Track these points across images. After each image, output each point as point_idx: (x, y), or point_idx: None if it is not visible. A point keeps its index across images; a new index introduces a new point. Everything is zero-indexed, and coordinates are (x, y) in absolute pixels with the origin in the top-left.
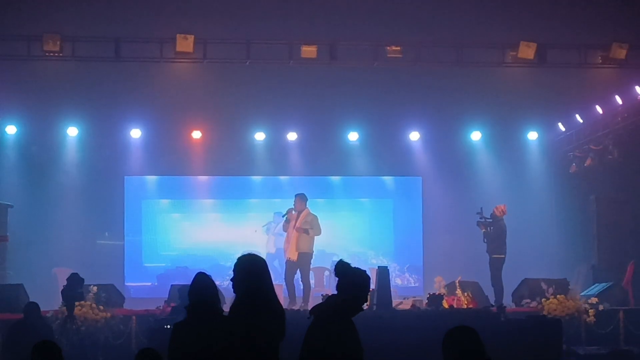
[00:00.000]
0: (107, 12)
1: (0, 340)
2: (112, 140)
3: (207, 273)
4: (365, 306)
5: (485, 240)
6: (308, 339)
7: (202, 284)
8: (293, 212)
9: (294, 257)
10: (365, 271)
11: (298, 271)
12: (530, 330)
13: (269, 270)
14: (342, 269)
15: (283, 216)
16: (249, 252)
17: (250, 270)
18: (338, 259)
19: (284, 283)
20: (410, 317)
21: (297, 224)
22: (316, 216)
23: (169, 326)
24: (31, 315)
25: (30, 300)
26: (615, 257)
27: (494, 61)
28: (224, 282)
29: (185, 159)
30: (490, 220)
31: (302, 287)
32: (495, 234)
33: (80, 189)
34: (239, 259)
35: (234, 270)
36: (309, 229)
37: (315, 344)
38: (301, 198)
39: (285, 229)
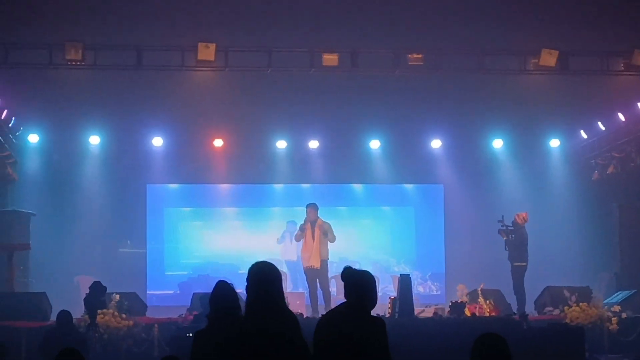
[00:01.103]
0: (129, 20)
1: (27, 347)
2: (134, 149)
3: (228, 281)
4: (387, 313)
5: (507, 248)
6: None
7: (223, 291)
8: (305, 222)
9: (317, 264)
10: (368, 272)
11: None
12: (552, 339)
13: (280, 278)
14: (347, 273)
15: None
16: (263, 260)
17: (260, 277)
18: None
19: (307, 291)
20: (432, 325)
21: (316, 232)
22: (330, 223)
23: (191, 334)
24: (64, 323)
25: (55, 308)
26: (638, 264)
27: (516, 68)
28: (244, 290)
29: (207, 167)
30: (512, 227)
31: (322, 294)
32: (516, 242)
33: (103, 197)
34: (251, 266)
35: (246, 277)
36: (328, 235)
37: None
38: (313, 208)
39: (298, 238)
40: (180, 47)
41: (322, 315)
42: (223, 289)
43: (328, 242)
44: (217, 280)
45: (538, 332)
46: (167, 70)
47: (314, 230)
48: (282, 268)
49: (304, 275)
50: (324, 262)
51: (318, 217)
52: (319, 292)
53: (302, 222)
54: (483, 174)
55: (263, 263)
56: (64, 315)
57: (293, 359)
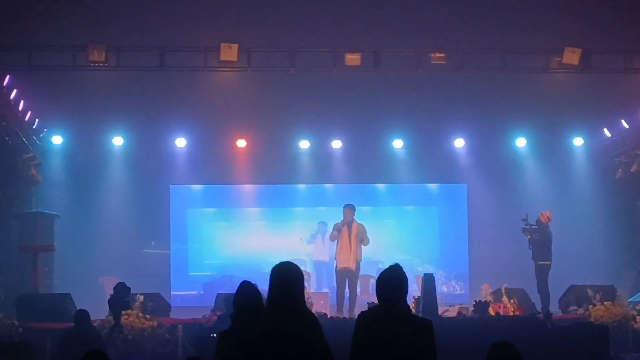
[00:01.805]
0: (152, 22)
1: (51, 348)
2: (158, 150)
3: (252, 281)
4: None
5: (531, 247)
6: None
7: (247, 291)
8: (341, 223)
9: (353, 266)
10: (392, 265)
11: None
12: (577, 337)
13: (302, 279)
14: (378, 278)
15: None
16: (291, 260)
17: (282, 278)
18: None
19: (336, 292)
20: (456, 325)
21: (353, 234)
22: (364, 226)
23: (215, 335)
24: (82, 324)
25: (85, 310)
26: None
27: (539, 67)
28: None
29: (230, 167)
30: (536, 226)
31: (348, 295)
32: (540, 241)
33: (126, 198)
34: (274, 266)
35: (269, 277)
36: (364, 238)
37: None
38: (350, 209)
39: (334, 239)
40: (203, 47)
41: (361, 313)
42: (247, 289)
43: (366, 244)
44: (241, 281)
45: (562, 331)
46: (190, 71)
47: (351, 231)
48: (306, 268)
49: (334, 275)
50: (358, 264)
51: (354, 219)
52: (346, 293)
53: (338, 223)
54: (506, 173)
55: (285, 264)
56: (81, 315)
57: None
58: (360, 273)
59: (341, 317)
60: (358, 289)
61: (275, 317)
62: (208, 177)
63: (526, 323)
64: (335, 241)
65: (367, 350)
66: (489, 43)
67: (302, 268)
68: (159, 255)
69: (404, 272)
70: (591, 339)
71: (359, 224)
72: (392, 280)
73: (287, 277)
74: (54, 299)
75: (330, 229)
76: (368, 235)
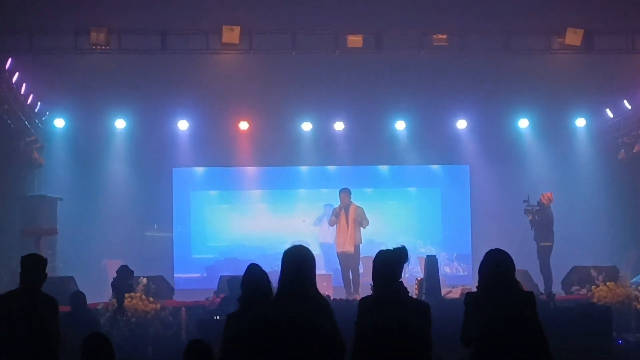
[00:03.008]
0: (153, 4)
1: None
2: (160, 132)
3: (256, 263)
4: (414, 294)
5: (533, 228)
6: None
7: (255, 275)
8: (339, 208)
9: (351, 249)
10: (381, 251)
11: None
12: (579, 318)
13: (314, 263)
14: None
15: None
16: (298, 243)
17: (294, 262)
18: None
19: (341, 275)
20: (459, 306)
21: (350, 218)
22: (363, 208)
23: (218, 317)
24: (78, 306)
25: (81, 292)
26: None
27: (541, 48)
28: (271, 272)
29: (233, 150)
30: (537, 208)
31: (351, 277)
32: (542, 222)
33: (129, 181)
34: (285, 250)
35: (281, 261)
36: (362, 221)
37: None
38: (347, 192)
39: (332, 224)
40: (204, 30)
41: (361, 300)
42: (255, 272)
43: (361, 227)
44: (248, 264)
45: (565, 311)
46: (191, 53)
47: (348, 215)
48: (315, 250)
49: (337, 258)
50: (357, 247)
51: (351, 201)
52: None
53: (335, 207)
54: (509, 154)
55: (297, 248)
56: (78, 297)
57: (322, 344)
58: (363, 254)
59: (344, 299)
60: (361, 270)
61: (287, 303)
62: (210, 160)
63: None
64: (335, 226)
65: (369, 337)
66: (491, 24)
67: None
68: (162, 237)
69: (396, 256)
70: (594, 320)
71: (357, 206)
72: (384, 269)
73: (300, 262)
74: (57, 282)
75: None
76: (367, 216)
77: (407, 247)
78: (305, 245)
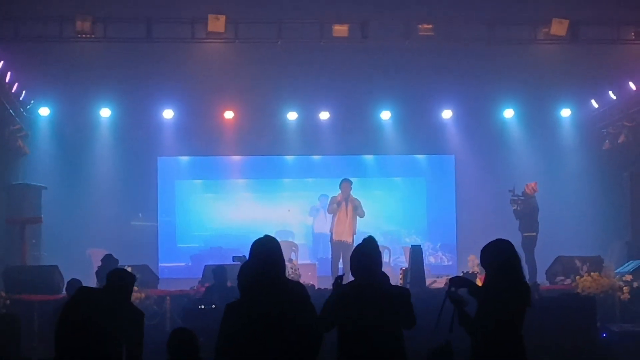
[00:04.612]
0: None
1: (39, 320)
2: (145, 121)
3: (240, 253)
4: (399, 284)
5: (517, 218)
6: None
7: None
8: (340, 197)
9: (350, 239)
10: (364, 240)
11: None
12: (564, 308)
13: (281, 253)
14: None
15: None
16: (266, 235)
17: (266, 252)
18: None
19: (330, 264)
20: (443, 296)
21: (350, 208)
22: (359, 200)
23: (203, 306)
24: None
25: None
26: None
27: (526, 38)
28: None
29: (218, 139)
30: (522, 198)
31: (342, 267)
32: (526, 212)
33: (114, 170)
34: (254, 242)
35: (249, 254)
36: (360, 211)
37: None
38: (349, 183)
39: (332, 211)
40: (190, 19)
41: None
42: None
43: (358, 217)
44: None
45: (549, 301)
46: (177, 42)
47: (348, 206)
48: (294, 239)
49: (329, 247)
50: (353, 238)
51: (351, 193)
52: (340, 264)
53: (336, 196)
54: (494, 144)
55: (268, 238)
56: (75, 285)
57: (297, 338)
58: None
59: (329, 288)
60: None
61: (258, 300)
62: (196, 149)
63: None
64: (332, 214)
65: (345, 324)
66: (476, 14)
67: (289, 239)
68: (147, 227)
69: (375, 245)
70: (578, 310)
71: (355, 197)
72: (363, 257)
73: (273, 252)
74: (41, 270)
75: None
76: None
77: (391, 236)
78: (288, 233)
